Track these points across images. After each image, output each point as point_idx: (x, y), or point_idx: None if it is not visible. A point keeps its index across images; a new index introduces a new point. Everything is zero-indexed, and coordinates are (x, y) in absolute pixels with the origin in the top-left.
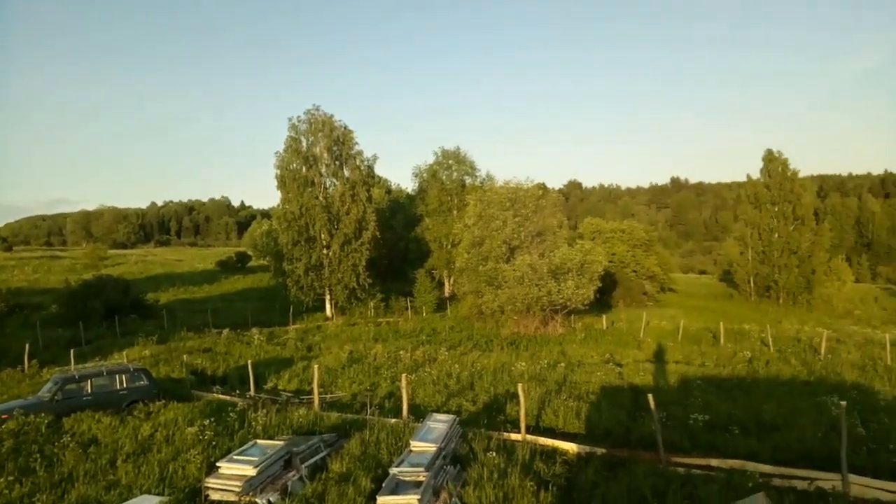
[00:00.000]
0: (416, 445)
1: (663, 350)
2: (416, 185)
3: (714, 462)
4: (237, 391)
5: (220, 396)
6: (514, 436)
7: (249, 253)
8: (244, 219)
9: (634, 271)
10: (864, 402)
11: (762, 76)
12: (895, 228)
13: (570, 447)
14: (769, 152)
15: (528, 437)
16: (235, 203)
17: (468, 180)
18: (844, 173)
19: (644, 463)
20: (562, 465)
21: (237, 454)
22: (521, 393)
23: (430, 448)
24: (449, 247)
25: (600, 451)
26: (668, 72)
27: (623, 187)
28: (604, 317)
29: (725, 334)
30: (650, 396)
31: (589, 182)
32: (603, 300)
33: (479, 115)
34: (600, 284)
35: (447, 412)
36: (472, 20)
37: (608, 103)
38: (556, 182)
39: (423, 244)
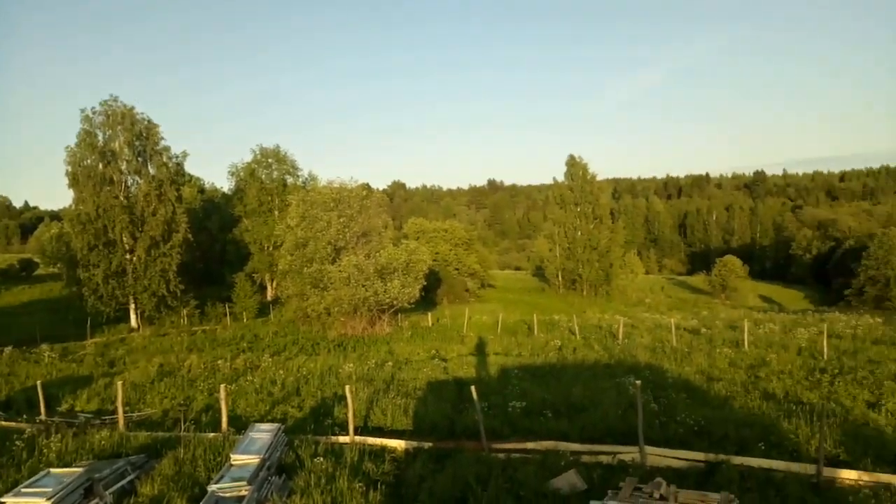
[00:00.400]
0: (237, 458)
1: (484, 343)
2: (233, 184)
3: (530, 445)
4: (24, 416)
5: (2, 423)
6: (342, 438)
7: (36, 260)
8: (29, 221)
9: (457, 269)
10: (655, 381)
11: (568, 88)
12: (676, 226)
13: (399, 444)
14: (571, 157)
15: (357, 438)
16: (17, 203)
17: (289, 180)
18: (634, 177)
19: (469, 452)
20: (390, 462)
21: (26, 486)
22: (348, 395)
23: (253, 460)
24: (271, 249)
25: (427, 445)
26: (485, 81)
27: (444, 188)
28: (429, 314)
29: (539, 325)
30: (473, 388)
31: (412, 183)
32: (428, 298)
33: (300, 115)
34: (425, 283)
35: (272, 421)
36: (285, 22)
37: (431, 106)
38: (380, 182)
39: (242, 246)
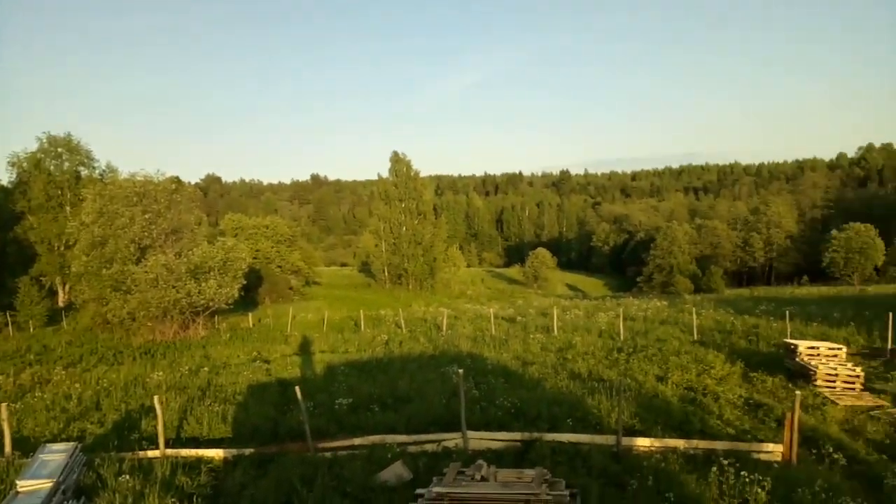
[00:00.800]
0: (24, 485)
1: (310, 341)
2: (14, 176)
3: (357, 441)
4: None
5: None
6: (152, 453)
7: None
8: None
9: (280, 267)
10: (476, 368)
11: (392, 85)
12: (494, 221)
13: (217, 454)
14: (395, 154)
15: (169, 451)
16: None
17: (84, 172)
18: (456, 174)
19: (293, 454)
20: (207, 474)
21: None
22: (157, 405)
23: (45, 484)
24: (62, 249)
25: (249, 451)
26: (308, 75)
27: (265, 182)
28: (250, 314)
29: (365, 320)
30: (297, 388)
31: (229, 177)
32: (249, 297)
33: (99, 105)
34: (245, 282)
35: (67, 440)
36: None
37: (243, 100)
38: (192, 176)
39: (26, 247)
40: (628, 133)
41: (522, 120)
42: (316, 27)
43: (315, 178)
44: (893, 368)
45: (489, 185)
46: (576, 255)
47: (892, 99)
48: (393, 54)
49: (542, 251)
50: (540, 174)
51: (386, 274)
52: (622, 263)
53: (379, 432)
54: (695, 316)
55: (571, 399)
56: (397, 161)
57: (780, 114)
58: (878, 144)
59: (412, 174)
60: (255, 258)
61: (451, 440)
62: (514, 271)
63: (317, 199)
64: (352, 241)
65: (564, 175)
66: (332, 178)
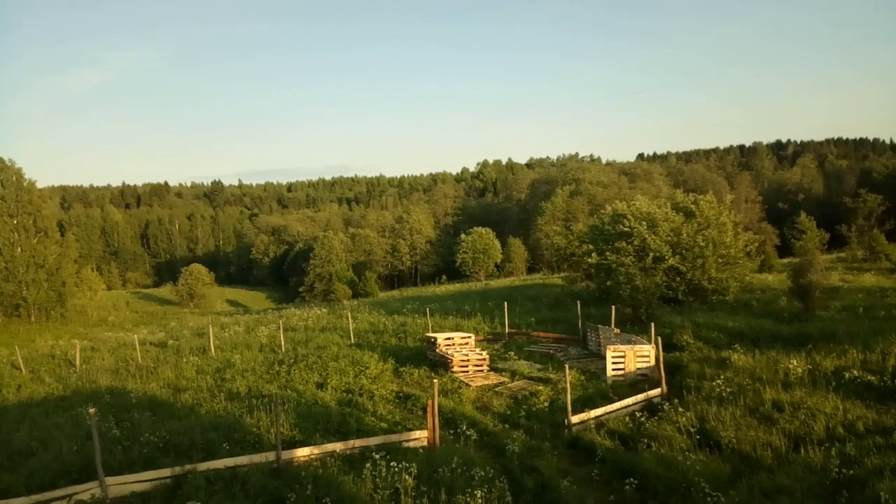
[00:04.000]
0: None
1: None
2: None
3: None
4: None
5: None
6: None
7: None
8: None
9: None
10: (118, 404)
11: None
12: (138, 236)
13: None
14: (0, 161)
15: None
16: None
17: None
18: (86, 184)
19: None
20: None
21: None
22: None
23: None
24: None
25: None
26: None
27: None
28: None
29: None
30: None
31: None
32: None
33: None
34: None
35: None
36: None
37: None
38: None
39: None
40: (282, 144)
41: (164, 126)
42: None
43: None
44: (511, 349)
45: (129, 197)
46: (235, 269)
47: (501, 123)
48: None
49: (197, 267)
50: (189, 185)
51: None
52: (284, 274)
53: None
54: (351, 320)
55: (229, 421)
56: (3, 169)
57: (417, 133)
58: (491, 161)
59: (25, 184)
60: None
61: (87, 491)
62: (165, 290)
63: None
64: None
65: (217, 186)
66: None
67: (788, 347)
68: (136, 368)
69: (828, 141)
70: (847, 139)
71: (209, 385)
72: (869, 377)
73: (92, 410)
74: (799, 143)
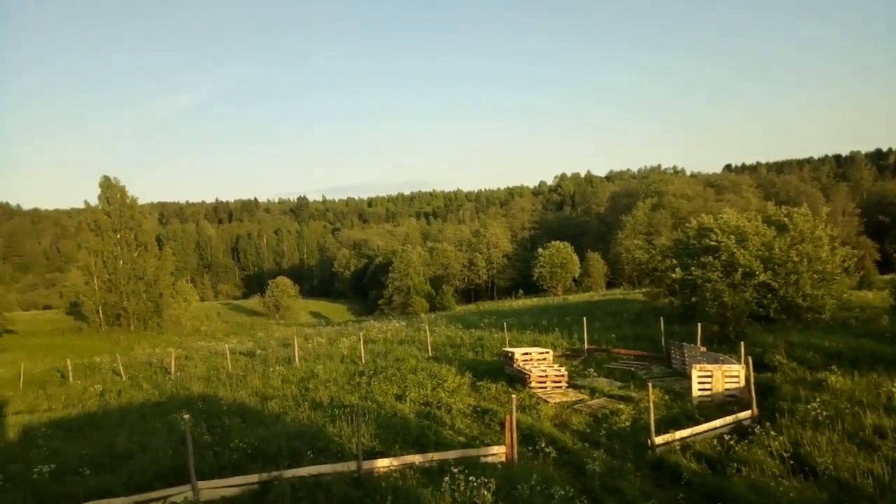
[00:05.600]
0: None
1: (2, 403)
2: None
3: None
4: None
5: None
6: None
7: None
8: None
9: None
10: (209, 411)
11: (96, 106)
12: (229, 250)
13: None
14: (106, 179)
15: None
16: None
17: None
18: (182, 201)
19: None
20: None
21: None
22: None
23: None
24: None
25: None
26: None
27: None
28: None
29: (75, 371)
30: None
31: None
32: None
33: None
34: None
35: None
36: None
37: None
38: None
39: None
40: (363, 160)
41: (254, 145)
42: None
43: (4, 207)
44: (590, 365)
45: (222, 213)
46: (318, 281)
47: (582, 134)
48: (105, 68)
49: (282, 279)
50: (276, 201)
51: (101, 315)
52: (364, 287)
53: (92, 498)
54: (429, 334)
55: (313, 430)
56: (109, 187)
57: (493, 148)
58: (569, 174)
59: (128, 201)
60: None
61: (180, 494)
62: (253, 302)
63: (8, 231)
64: (56, 280)
65: (302, 201)
66: (26, 206)
67: (891, 369)
68: (226, 376)
69: None
70: None
71: (294, 394)
72: None
73: (186, 416)
74: None
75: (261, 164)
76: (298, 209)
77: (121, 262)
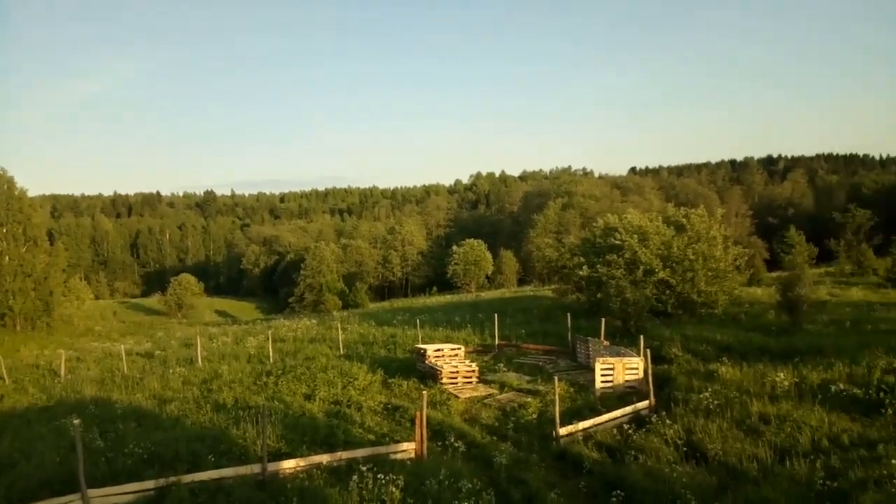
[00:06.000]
0: None
1: None
2: None
3: None
4: None
5: None
6: None
7: None
8: None
9: None
10: (102, 415)
11: None
12: (127, 246)
13: None
14: None
15: None
16: None
17: None
18: (77, 194)
19: None
20: None
21: None
22: None
23: None
24: None
25: None
26: None
27: None
28: None
29: None
30: None
31: None
32: None
33: None
34: None
35: None
36: None
37: None
38: None
39: None
40: (275, 155)
41: (157, 136)
42: None
43: None
44: (500, 361)
45: (121, 207)
46: (225, 279)
47: (497, 135)
48: None
49: (186, 277)
50: (181, 195)
51: None
52: (274, 285)
53: None
54: (341, 331)
55: (215, 433)
56: None
57: (411, 145)
58: (484, 173)
59: (16, 193)
60: None
61: (69, 503)
62: (154, 301)
63: None
64: None
65: (209, 196)
66: None
67: (776, 360)
68: (121, 379)
69: (818, 156)
70: (837, 154)
71: (195, 396)
72: (855, 390)
73: (76, 421)
74: (790, 158)
75: (164, 157)
76: (205, 204)
77: (7, 258)
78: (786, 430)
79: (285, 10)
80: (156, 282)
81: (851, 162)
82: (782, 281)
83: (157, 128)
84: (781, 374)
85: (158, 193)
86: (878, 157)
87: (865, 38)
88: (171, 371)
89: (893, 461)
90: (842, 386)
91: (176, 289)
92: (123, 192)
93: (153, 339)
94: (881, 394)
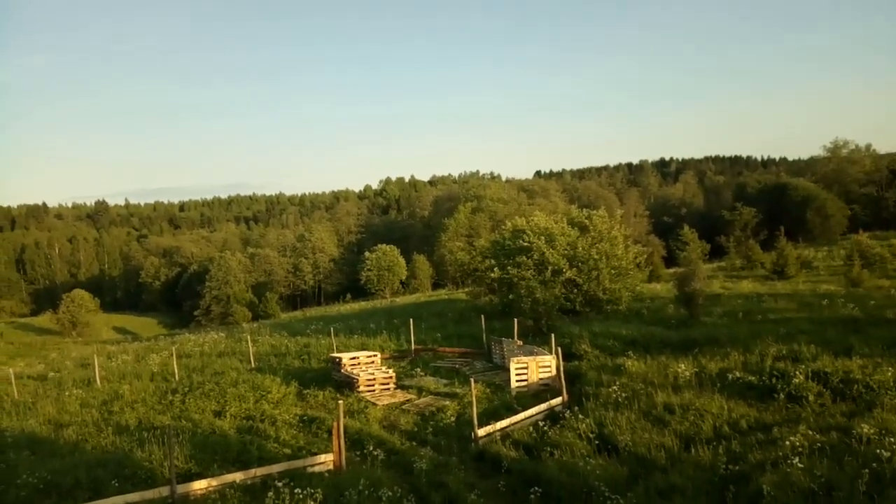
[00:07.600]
0: None
1: None
2: None
3: None
4: None
5: None
6: None
7: None
8: None
9: None
10: None
11: None
12: (13, 262)
13: None
14: None
15: None
16: None
17: None
18: None
19: None
20: None
21: None
22: None
23: None
24: None
25: None
26: None
27: None
28: None
29: None
30: None
31: None
32: None
33: None
34: None
35: None
36: None
37: None
38: None
39: None
40: (173, 162)
41: (42, 143)
42: None
43: None
44: (417, 365)
45: (3, 220)
46: (122, 293)
47: (406, 140)
48: None
49: (79, 293)
50: (70, 205)
51: None
52: (177, 298)
53: None
54: (251, 344)
55: (118, 457)
56: None
57: (318, 151)
58: (394, 178)
59: None
60: None
61: None
62: (44, 319)
63: None
64: None
65: (101, 206)
66: None
67: (677, 352)
68: (11, 405)
69: (706, 158)
70: (724, 157)
71: (95, 419)
72: (750, 377)
73: None
74: (680, 160)
75: (50, 166)
76: (97, 214)
77: None
78: (689, 418)
79: (169, 9)
80: (46, 299)
81: (736, 163)
82: (679, 277)
83: (41, 133)
84: (682, 365)
85: (45, 205)
86: (759, 159)
87: (748, 43)
88: (67, 394)
89: (787, 442)
90: (738, 374)
91: (69, 306)
92: (5, 205)
93: (46, 361)
94: (773, 380)
